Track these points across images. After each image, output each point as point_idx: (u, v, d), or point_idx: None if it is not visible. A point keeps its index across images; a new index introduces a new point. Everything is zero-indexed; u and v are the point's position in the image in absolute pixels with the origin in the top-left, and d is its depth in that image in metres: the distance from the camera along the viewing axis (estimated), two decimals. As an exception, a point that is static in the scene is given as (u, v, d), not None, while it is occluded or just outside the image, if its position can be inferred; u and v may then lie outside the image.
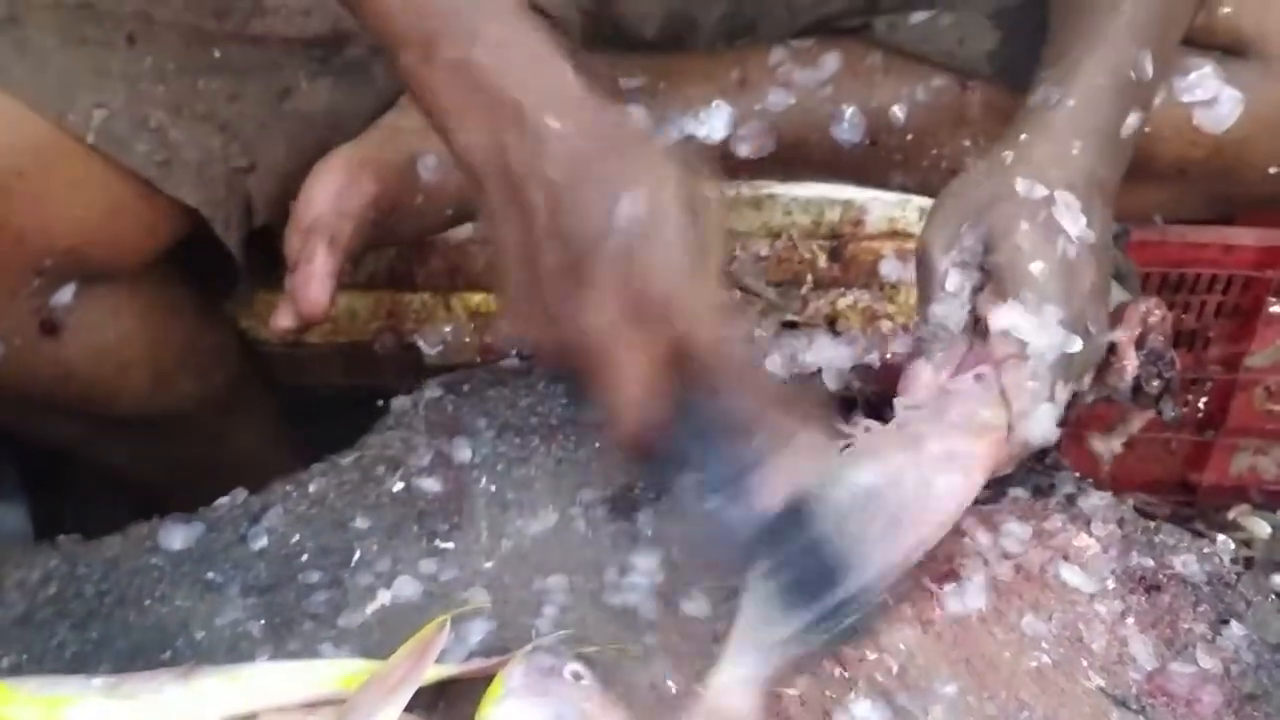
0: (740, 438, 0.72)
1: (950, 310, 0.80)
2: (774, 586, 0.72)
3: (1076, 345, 0.79)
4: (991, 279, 0.79)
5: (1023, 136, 0.82)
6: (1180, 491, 1.55)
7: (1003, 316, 0.78)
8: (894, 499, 0.76)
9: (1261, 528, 1.53)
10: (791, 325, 1.16)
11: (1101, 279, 0.81)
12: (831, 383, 1.15)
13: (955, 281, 0.80)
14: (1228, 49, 0.91)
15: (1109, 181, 0.83)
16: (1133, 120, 0.84)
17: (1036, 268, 0.78)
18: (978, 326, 0.80)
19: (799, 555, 0.72)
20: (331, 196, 0.94)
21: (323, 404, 1.20)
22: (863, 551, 0.73)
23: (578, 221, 0.69)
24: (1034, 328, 0.77)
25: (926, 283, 0.82)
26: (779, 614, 0.72)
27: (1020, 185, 0.79)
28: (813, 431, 0.75)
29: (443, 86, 0.72)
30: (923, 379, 0.80)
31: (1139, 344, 1.16)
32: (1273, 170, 0.93)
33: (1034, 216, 0.78)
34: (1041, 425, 0.80)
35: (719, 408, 0.72)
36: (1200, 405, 1.50)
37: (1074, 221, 0.79)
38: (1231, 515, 1.51)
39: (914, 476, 0.77)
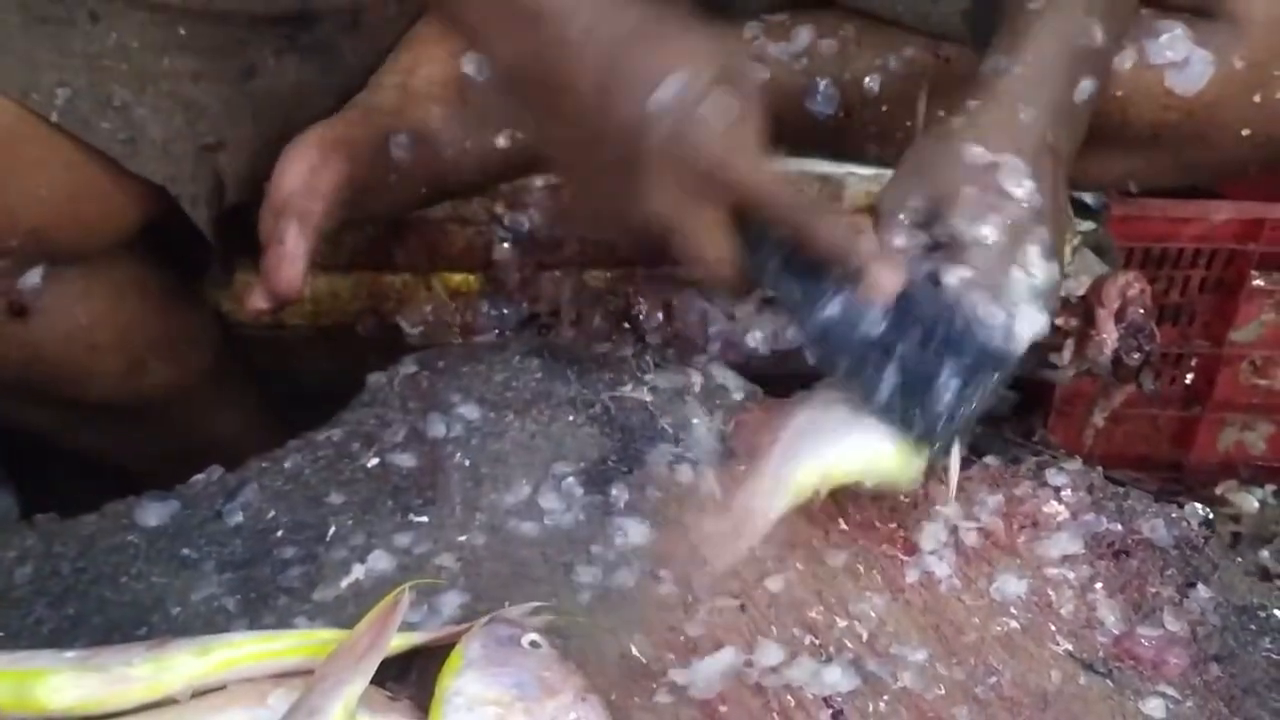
0: (823, 264, 0.78)
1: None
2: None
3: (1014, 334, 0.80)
4: (940, 244, 0.80)
5: (971, 104, 0.84)
6: (1168, 468, 1.55)
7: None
8: None
9: (1249, 503, 1.54)
10: (772, 301, 1.17)
11: (1054, 240, 0.81)
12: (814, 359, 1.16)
13: (902, 242, 0.80)
14: (1196, 10, 0.91)
15: (1063, 147, 0.84)
16: (1086, 86, 0.84)
17: (980, 233, 0.79)
18: None
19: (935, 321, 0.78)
20: (304, 176, 0.94)
21: (306, 389, 1.20)
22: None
23: (618, 117, 0.73)
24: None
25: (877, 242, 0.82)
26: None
27: (965, 152, 0.81)
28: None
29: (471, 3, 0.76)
30: None
31: (1118, 317, 1.17)
32: (1245, 132, 0.93)
33: (977, 182, 0.80)
34: None
35: (795, 242, 0.78)
36: (1186, 381, 1.50)
37: (1018, 185, 0.80)
38: (1219, 491, 1.51)
39: None
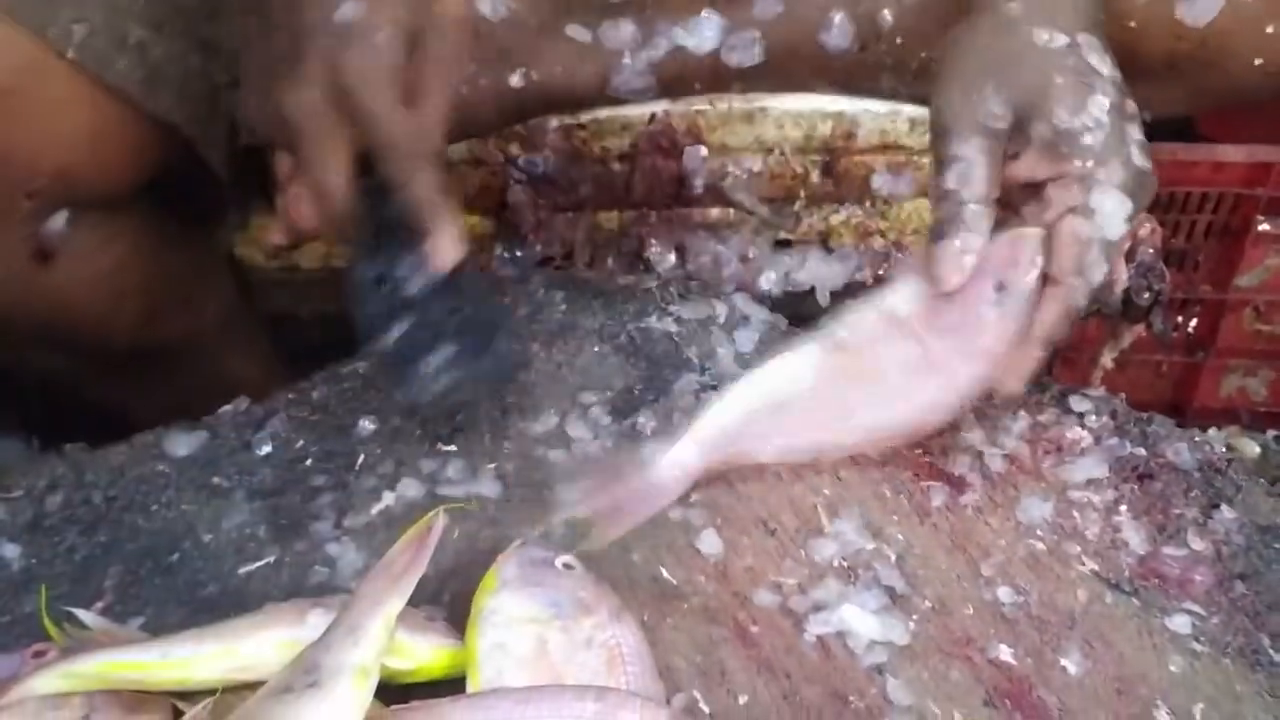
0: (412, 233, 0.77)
1: (971, 180, 0.75)
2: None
3: (1128, 209, 0.75)
4: (1032, 146, 0.75)
5: None
6: (1171, 414, 1.55)
7: (1063, 191, 0.74)
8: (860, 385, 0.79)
9: (1251, 448, 1.55)
10: (785, 243, 1.17)
11: (1135, 113, 0.77)
12: (825, 301, 1.16)
13: (976, 147, 0.75)
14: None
15: (1103, 23, 0.80)
16: None
17: (1087, 122, 0.74)
18: (1009, 197, 0.77)
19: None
20: None
21: (318, 334, 1.21)
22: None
23: (306, 13, 0.75)
24: (1099, 195, 0.74)
25: (945, 153, 0.76)
26: None
27: (1039, 36, 0.76)
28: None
29: None
30: (948, 260, 0.75)
31: (1129, 257, 1.18)
32: (1258, 62, 0.93)
33: (1064, 68, 0.75)
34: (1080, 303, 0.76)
35: (398, 205, 0.76)
36: (1190, 327, 1.51)
37: (1102, 62, 0.76)
38: (1224, 438, 1.53)
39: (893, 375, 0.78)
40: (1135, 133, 0.76)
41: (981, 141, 0.75)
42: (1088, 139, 0.74)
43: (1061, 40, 0.76)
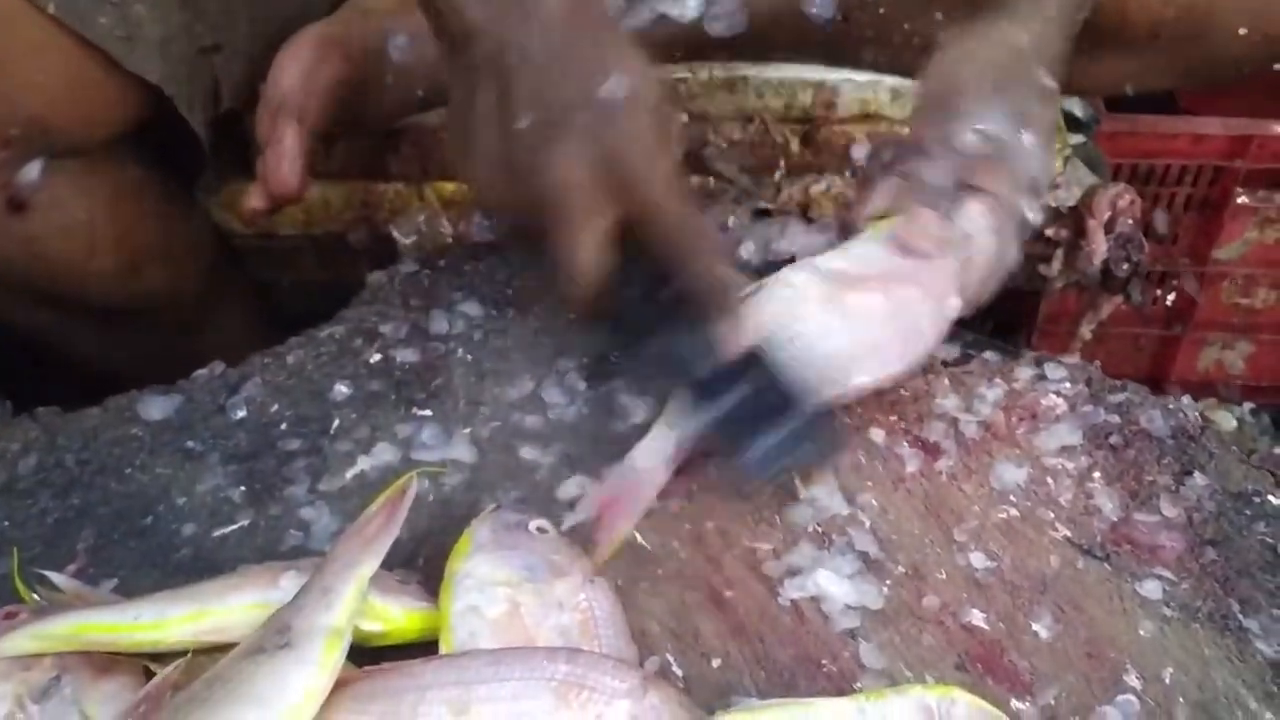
0: (687, 309, 0.77)
1: (950, 169, 0.84)
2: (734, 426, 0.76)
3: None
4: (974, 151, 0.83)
5: (1035, 25, 0.86)
6: (1149, 387, 1.56)
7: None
8: (864, 331, 0.80)
9: (1228, 421, 1.56)
10: (765, 213, 1.17)
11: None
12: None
13: (969, 142, 0.83)
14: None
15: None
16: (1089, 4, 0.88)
17: (1026, 150, 0.83)
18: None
19: (758, 389, 0.76)
20: (300, 75, 0.94)
21: (298, 301, 1.20)
22: (814, 386, 0.77)
23: (561, 88, 0.72)
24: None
25: (947, 136, 0.84)
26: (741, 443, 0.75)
27: (1041, 75, 0.84)
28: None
29: None
30: (931, 228, 0.83)
31: (1108, 228, 1.18)
32: (1242, 31, 0.93)
33: (1047, 110, 0.84)
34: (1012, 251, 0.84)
35: (668, 280, 0.76)
36: (1169, 301, 1.52)
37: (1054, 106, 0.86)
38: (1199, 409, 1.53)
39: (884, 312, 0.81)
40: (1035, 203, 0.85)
41: (974, 138, 0.83)
42: (1017, 152, 0.83)
43: (1053, 87, 0.85)
